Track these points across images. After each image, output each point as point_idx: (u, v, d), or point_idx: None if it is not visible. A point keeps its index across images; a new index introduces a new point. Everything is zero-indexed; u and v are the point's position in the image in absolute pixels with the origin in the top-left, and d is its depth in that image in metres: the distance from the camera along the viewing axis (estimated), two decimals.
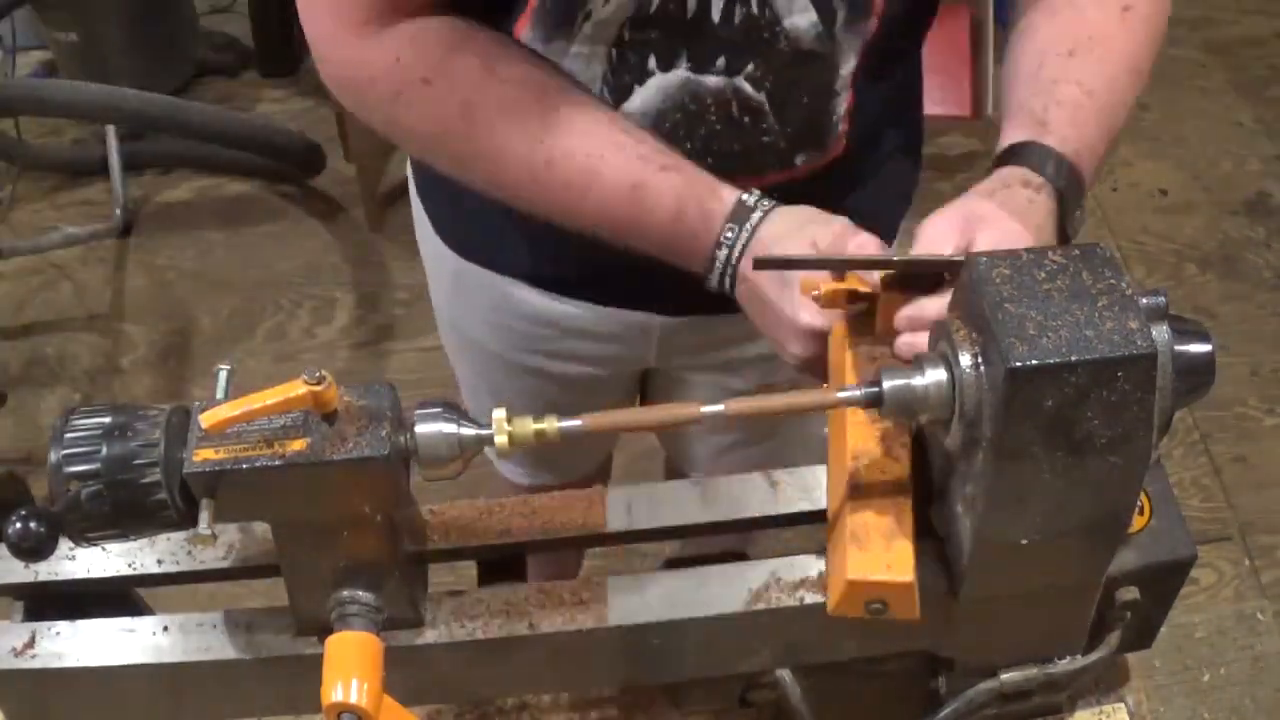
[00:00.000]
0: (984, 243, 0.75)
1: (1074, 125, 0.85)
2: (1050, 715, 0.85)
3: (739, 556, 0.79)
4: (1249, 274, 2.50)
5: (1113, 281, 0.64)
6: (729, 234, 0.83)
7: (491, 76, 0.83)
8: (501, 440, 0.66)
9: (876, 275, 0.77)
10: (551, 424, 0.66)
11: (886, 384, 0.67)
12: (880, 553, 0.70)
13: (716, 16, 0.86)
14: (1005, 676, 0.79)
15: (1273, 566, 2.11)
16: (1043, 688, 0.81)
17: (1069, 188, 0.83)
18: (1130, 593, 0.77)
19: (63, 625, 0.75)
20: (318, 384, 0.62)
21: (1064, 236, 0.83)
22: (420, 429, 0.66)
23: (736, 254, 0.83)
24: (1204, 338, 0.69)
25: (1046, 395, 0.62)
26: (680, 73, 0.89)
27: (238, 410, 0.62)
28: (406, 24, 0.82)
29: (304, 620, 0.72)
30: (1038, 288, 0.64)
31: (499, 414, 0.66)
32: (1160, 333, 0.66)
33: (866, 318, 0.81)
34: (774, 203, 0.84)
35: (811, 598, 0.74)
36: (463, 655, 0.75)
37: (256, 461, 0.63)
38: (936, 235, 0.76)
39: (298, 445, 0.63)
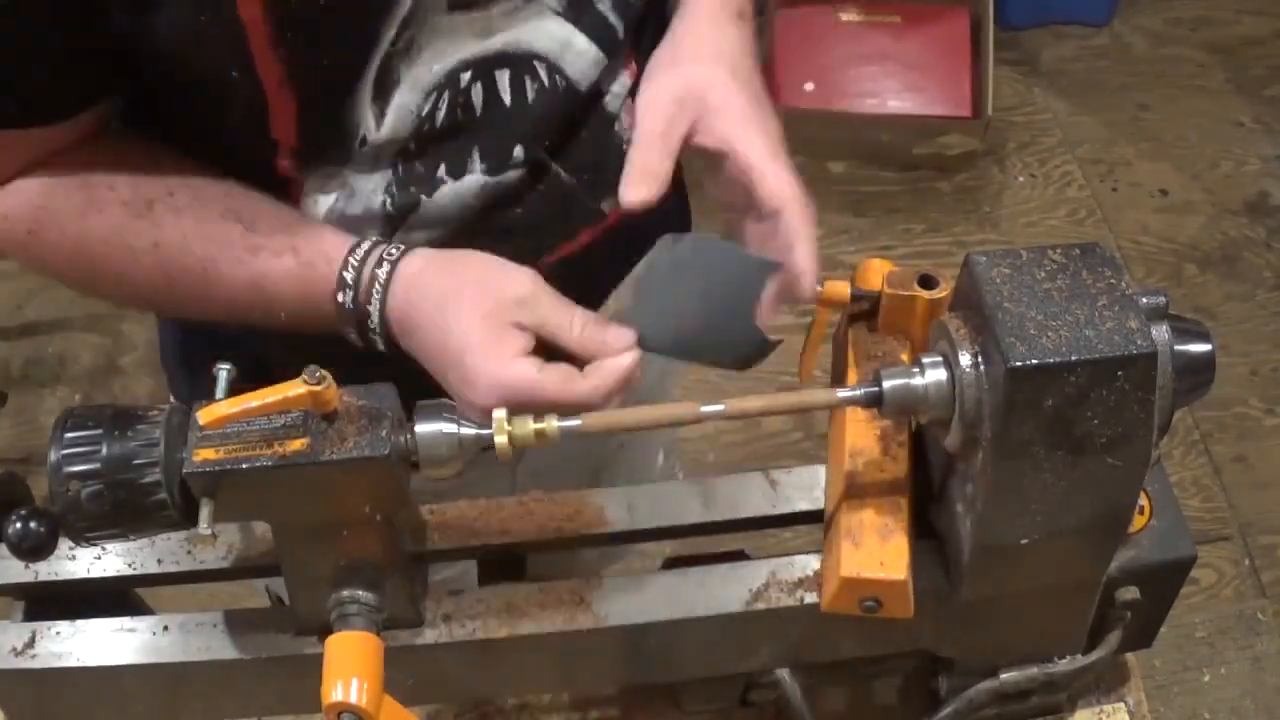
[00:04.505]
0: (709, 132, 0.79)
1: None
2: (1050, 715, 0.85)
3: (739, 556, 0.79)
4: (1249, 274, 2.50)
5: (1112, 281, 0.64)
6: (349, 273, 0.77)
7: (92, 211, 0.80)
8: (501, 440, 0.66)
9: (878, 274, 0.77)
10: (551, 424, 0.66)
11: (886, 384, 0.67)
12: (875, 550, 0.70)
13: (508, 100, 0.84)
14: (1005, 676, 0.79)
15: (1273, 566, 2.11)
16: (1043, 688, 0.81)
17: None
18: (1130, 593, 0.77)
19: (63, 625, 0.75)
20: (318, 384, 0.62)
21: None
22: (420, 429, 0.66)
23: (374, 298, 0.77)
24: (1204, 337, 0.69)
25: (1046, 395, 0.62)
26: (475, 178, 0.86)
27: (236, 408, 0.62)
28: (11, 184, 0.80)
29: (304, 620, 0.72)
30: (1037, 287, 0.64)
31: (499, 414, 0.67)
32: (1160, 332, 0.66)
33: (868, 316, 0.81)
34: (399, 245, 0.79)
35: (811, 597, 0.74)
36: (463, 655, 0.75)
37: (256, 461, 0.63)
38: (657, 119, 0.80)
39: (297, 445, 0.63)
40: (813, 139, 2.60)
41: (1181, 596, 0.81)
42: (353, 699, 0.64)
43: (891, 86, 2.58)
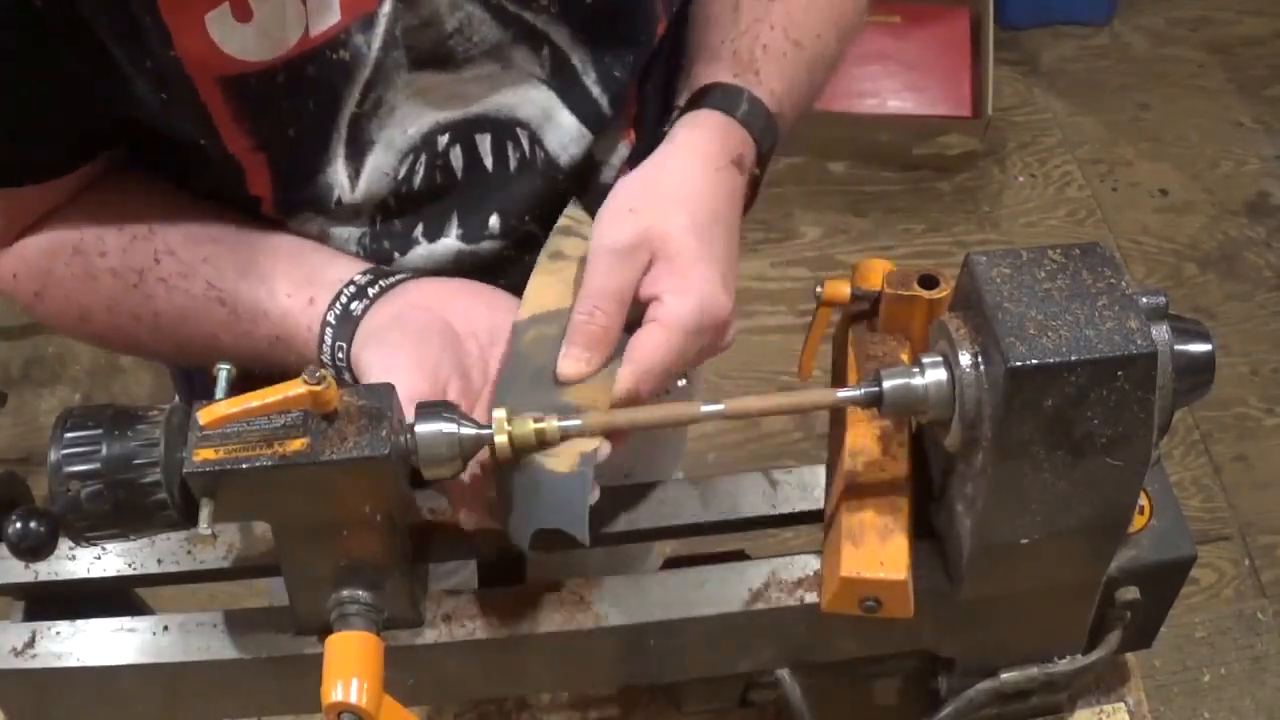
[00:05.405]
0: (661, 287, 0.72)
1: (781, 77, 0.82)
2: (1050, 715, 0.85)
3: (739, 556, 0.79)
4: (1249, 274, 2.50)
5: (1112, 281, 0.64)
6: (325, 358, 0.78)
7: (90, 280, 0.82)
8: (501, 440, 0.66)
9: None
10: (551, 424, 0.66)
11: (886, 384, 0.67)
12: (875, 550, 0.70)
13: (490, 165, 0.83)
14: (1005, 676, 0.79)
15: (1273, 566, 2.11)
16: (1043, 688, 0.81)
17: (767, 148, 0.81)
18: (1130, 593, 0.77)
19: (63, 625, 0.75)
20: (318, 384, 0.62)
21: (746, 205, 0.82)
22: (420, 429, 0.66)
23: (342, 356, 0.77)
24: (1204, 337, 0.69)
25: (1046, 395, 0.62)
26: (450, 243, 0.85)
27: (236, 408, 0.62)
28: (18, 243, 0.82)
29: (304, 620, 0.73)
30: (1037, 287, 0.64)
31: (499, 414, 0.67)
32: (1160, 332, 0.66)
33: (868, 316, 0.81)
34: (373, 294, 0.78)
35: (811, 597, 0.74)
36: (463, 655, 0.75)
37: (256, 461, 0.63)
38: (611, 274, 0.73)
39: (297, 445, 0.63)
40: (813, 139, 2.61)
41: (1181, 596, 0.81)
42: (353, 699, 0.64)
43: (891, 86, 2.58)
